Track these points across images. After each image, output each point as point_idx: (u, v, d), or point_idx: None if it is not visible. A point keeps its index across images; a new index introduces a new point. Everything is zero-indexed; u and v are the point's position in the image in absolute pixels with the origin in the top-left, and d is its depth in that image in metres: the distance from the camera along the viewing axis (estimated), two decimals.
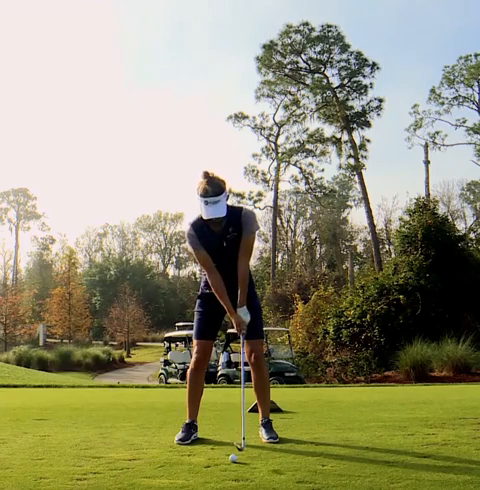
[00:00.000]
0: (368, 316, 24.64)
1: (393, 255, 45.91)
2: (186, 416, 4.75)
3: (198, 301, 4.88)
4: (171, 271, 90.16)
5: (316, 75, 50.39)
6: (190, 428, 4.63)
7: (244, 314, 4.63)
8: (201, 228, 4.63)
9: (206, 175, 4.54)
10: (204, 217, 4.53)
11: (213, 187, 4.49)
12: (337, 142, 50.24)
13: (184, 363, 26.52)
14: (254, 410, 5.95)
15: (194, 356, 4.79)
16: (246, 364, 4.85)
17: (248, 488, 3.17)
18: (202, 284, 4.90)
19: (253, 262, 66.19)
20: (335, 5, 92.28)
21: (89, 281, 71.89)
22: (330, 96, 49.94)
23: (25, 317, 57.42)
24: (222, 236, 4.63)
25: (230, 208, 4.62)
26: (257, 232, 4.86)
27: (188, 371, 4.84)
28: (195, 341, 4.82)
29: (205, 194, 4.48)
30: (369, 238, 58.82)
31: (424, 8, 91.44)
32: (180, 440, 4.49)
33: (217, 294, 4.66)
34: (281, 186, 56.91)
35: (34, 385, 14.65)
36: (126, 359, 50.15)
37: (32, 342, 49.86)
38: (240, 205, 5.00)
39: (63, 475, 3.43)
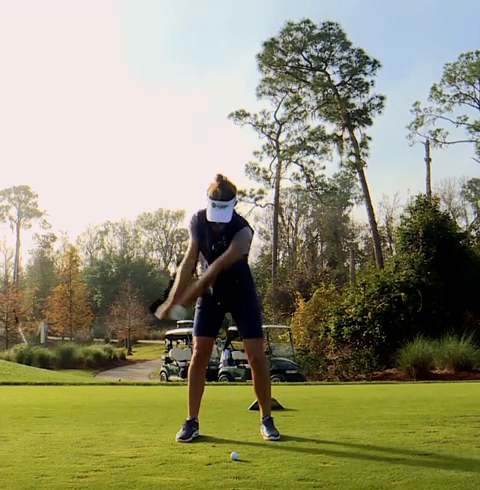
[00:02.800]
0: (369, 314, 24.64)
1: (394, 253, 45.85)
2: (187, 413, 4.75)
3: (198, 298, 4.88)
4: (172, 269, 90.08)
5: (317, 73, 50.34)
6: (191, 426, 4.62)
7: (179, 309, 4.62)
8: (204, 222, 4.65)
9: (220, 178, 4.55)
10: (208, 218, 4.54)
11: (223, 191, 4.50)
12: (338, 140, 50.18)
13: (185, 361, 26.53)
14: (255, 408, 5.96)
15: (194, 353, 4.79)
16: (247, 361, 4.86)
17: (249, 485, 3.16)
18: None
19: (254, 260, 66.30)
20: (336, 2, 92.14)
21: (90, 279, 71.91)
22: (331, 94, 49.89)
23: (26, 315, 57.40)
24: (215, 239, 4.65)
25: (235, 217, 4.62)
26: (248, 247, 4.78)
27: (189, 368, 4.83)
28: (195, 338, 4.81)
29: (215, 197, 4.49)
30: (370, 236, 58.78)
31: (425, 6, 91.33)
32: (181, 438, 4.49)
33: (177, 276, 4.72)
34: (282, 184, 56.89)
35: (35, 383, 14.65)
36: (127, 357, 50.16)
37: (33, 340, 49.90)
38: (246, 220, 4.94)
39: (64, 473, 3.43)
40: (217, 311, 4.76)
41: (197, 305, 4.85)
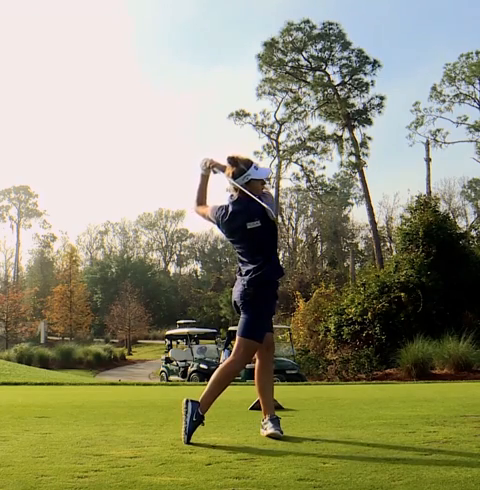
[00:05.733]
0: (369, 314, 24.64)
1: (394, 253, 45.88)
2: (205, 408, 4.52)
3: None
4: (172, 269, 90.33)
5: (317, 73, 50.32)
6: (201, 422, 4.44)
7: None
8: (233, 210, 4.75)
9: (231, 157, 4.72)
10: (266, 176, 4.75)
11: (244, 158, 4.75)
12: (338, 140, 50.16)
13: (185, 361, 26.54)
14: (255, 408, 5.96)
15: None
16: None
17: (249, 485, 3.16)
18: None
19: None
20: (336, 2, 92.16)
21: (90, 279, 71.93)
22: (331, 94, 49.87)
23: (26, 315, 57.43)
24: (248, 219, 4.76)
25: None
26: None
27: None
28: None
29: (251, 161, 4.72)
30: (370, 236, 58.79)
31: (425, 4, 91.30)
32: (187, 436, 4.34)
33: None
34: (282, 184, 56.93)
35: (35, 383, 14.65)
36: (127, 357, 50.18)
37: (33, 340, 49.89)
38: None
39: (64, 473, 3.43)
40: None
41: (263, 303, 4.67)
